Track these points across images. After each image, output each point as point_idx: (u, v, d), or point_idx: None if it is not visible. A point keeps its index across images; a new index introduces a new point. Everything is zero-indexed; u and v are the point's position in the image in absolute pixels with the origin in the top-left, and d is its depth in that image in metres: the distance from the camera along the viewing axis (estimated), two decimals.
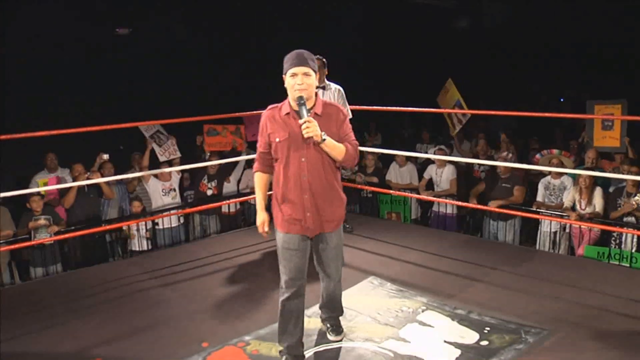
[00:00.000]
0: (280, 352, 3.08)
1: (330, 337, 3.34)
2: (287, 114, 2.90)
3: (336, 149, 2.88)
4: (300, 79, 2.83)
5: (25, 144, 4.59)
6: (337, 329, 3.37)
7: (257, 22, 8.90)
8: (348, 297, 3.86)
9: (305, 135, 2.77)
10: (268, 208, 3.04)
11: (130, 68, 8.39)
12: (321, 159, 2.89)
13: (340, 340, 3.32)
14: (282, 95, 2.97)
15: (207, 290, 4.17)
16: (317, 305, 3.47)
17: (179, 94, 8.75)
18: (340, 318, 3.40)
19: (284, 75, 2.90)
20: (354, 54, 9.92)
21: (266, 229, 3.01)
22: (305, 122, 2.76)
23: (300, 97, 2.81)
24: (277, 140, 2.89)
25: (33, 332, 3.58)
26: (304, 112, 2.78)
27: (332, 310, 3.36)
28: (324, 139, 2.81)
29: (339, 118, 2.96)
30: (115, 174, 6.07)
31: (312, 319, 3.54)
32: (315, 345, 3.29)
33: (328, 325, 3.38)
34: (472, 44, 11.59)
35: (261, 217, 3.01)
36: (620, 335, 3.31)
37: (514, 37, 11.64)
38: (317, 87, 5.18)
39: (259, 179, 3.08)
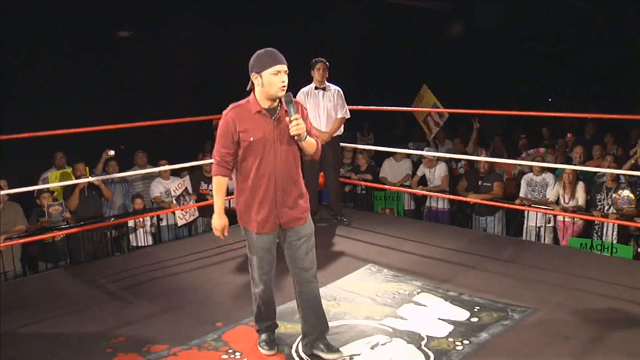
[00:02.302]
0: (257, 330, 3.31)
1: (326, 355, 3.09)
2: (259, 112, 2.91)
3: (311, 145, 2.99)
4: (284, 76, 2.85)
5: (30, 143, 4.81)
6: (331, 347, 3.11)
7: (255, 22, 9.13)
8: (348, 283, 4.17)
9: (293, 133, 2.84)
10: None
11: (131, 70, 8.61)
12: (288, 155, 2.95)
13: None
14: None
15: (216, 278, 4.44)
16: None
17: (179, 95, 8.98)
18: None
19: (256, 73, 2.86)
20: (349, 55, 10.17)
21: (226, 233, 3.13)
22: (295, 119, 2.83)
23: (289, 95, 2.86)
24: (252, 139, 2.89)
25: (55, 317, 3.82)
26: (292, 110, 2.85)
27: (316, 326, 3.13)
28: (306, 136, 2.92)
29: (304, 113, 3.01)
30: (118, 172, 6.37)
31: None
32: None
33: (321, 346, 3.11)
34: (464, 46, 11.92)
35: (221, 221, 3.11)
36: (599, 313, 3.63)
37: (506, 38, 12.00)
38: (318, 89, 5.50)
39: (219, 183, 3.07)
